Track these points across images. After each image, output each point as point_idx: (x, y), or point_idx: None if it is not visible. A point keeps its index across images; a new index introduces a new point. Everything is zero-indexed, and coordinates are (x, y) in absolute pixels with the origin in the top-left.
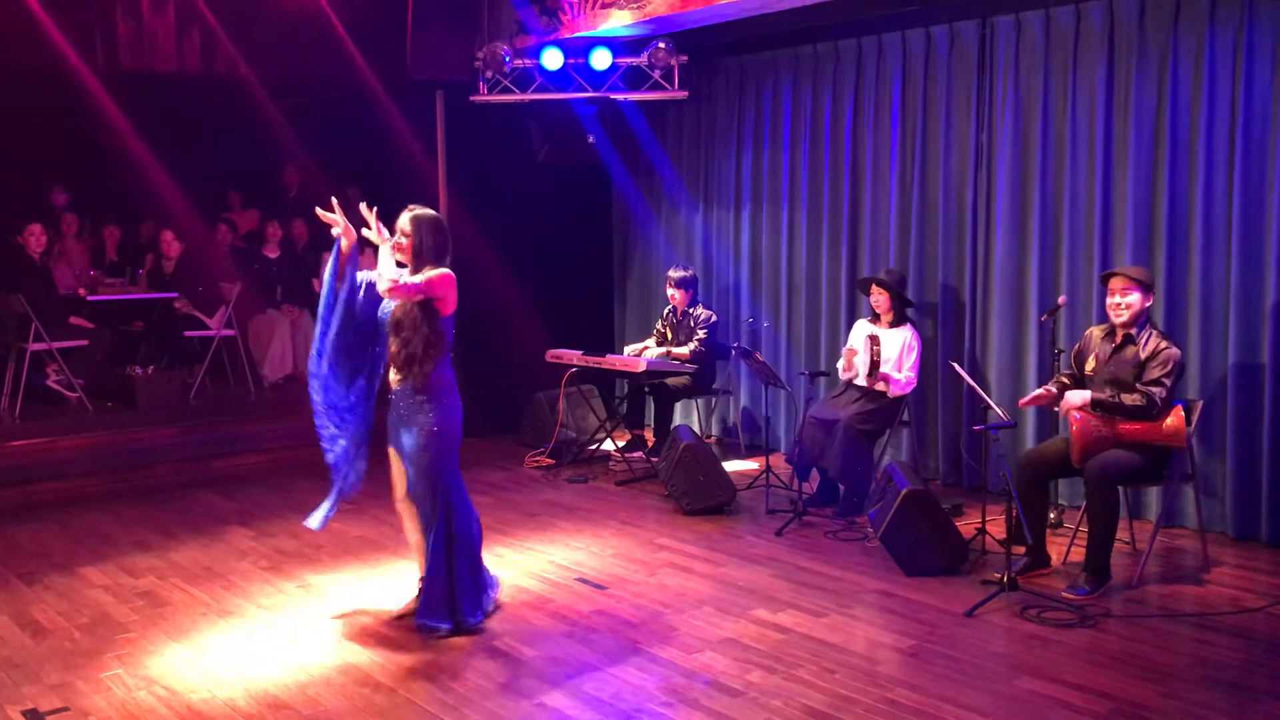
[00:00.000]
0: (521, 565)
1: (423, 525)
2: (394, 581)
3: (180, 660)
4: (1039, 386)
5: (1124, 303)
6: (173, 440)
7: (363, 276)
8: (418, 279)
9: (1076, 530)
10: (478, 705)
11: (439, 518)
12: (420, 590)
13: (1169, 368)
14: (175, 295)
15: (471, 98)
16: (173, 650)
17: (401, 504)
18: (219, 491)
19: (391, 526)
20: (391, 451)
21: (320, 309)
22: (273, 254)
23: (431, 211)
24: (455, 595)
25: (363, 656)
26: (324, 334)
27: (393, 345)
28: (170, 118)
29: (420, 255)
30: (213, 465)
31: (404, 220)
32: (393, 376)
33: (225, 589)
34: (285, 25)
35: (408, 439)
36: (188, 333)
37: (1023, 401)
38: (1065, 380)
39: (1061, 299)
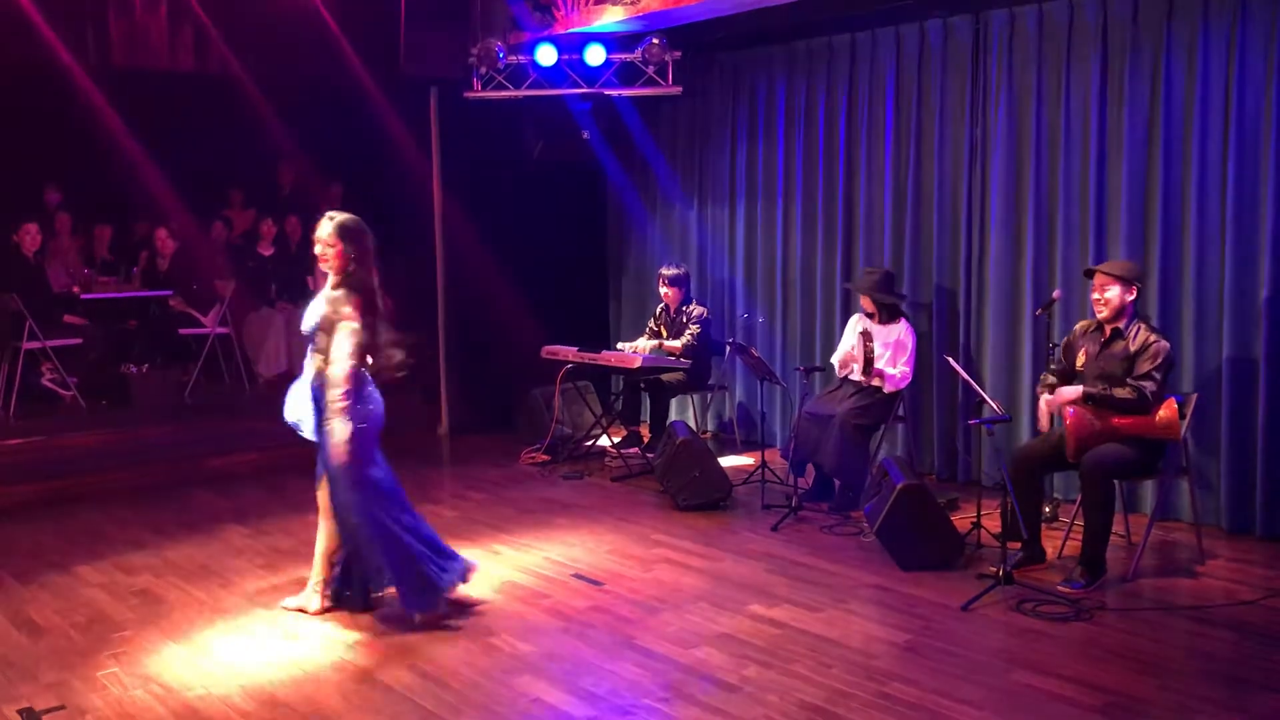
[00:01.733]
0: (517, 561)
1: (351, 521)
2: None
3: (177, 658)
4: (1034, 382)
5: (1103, 298)
6: (168, 438)
7: None
8: None
9: (1072, 524)
10: (474, 701)
11: (369, 512)
12: (394, 584)
13: (1158, 361)
14: (169, 293)
15: (465, 94)
16: (169, 648)
17: (321, 492)
18: (214, 489)
19: None
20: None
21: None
22: (267, 252)
23: (351, 216)
24: (425, 574)
25: (359, 653)
26: None
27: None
28: (163, 115)
29: (347, 263)
30: (208, 463)
31: (325, 230)
32: (309, 368)
33: (221, 587)
34: (278, 22)
35: (323, 437)
36: (182, 331)
37: (1043, 422)
38: (1053, 380)
39: (1056, 293)
